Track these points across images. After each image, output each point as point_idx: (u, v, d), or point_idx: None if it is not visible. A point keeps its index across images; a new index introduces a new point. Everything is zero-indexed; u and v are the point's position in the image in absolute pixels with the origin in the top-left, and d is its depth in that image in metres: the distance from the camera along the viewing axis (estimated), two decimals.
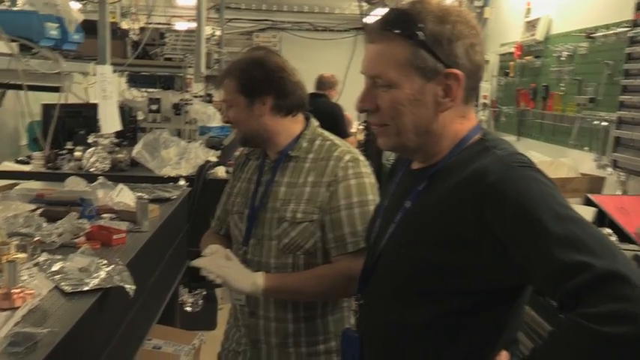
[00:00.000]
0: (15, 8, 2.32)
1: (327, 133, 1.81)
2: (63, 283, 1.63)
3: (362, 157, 1.75)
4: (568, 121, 2.39)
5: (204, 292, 3.86)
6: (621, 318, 0.83)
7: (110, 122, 2.45)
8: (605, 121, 2.15)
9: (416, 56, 1.05)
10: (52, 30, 2.03)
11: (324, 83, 5.71)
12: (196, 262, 1.65)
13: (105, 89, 2.39)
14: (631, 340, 0.83)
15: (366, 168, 1.73)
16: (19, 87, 2.60)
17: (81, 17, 2.42)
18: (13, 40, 1.77)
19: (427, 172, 1.14)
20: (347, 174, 1.68)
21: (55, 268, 1.74)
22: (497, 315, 1.09)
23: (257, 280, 1.62)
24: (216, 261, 1.64)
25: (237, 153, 2.06)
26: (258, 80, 1.72)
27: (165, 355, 2.66)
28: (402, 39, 1.06)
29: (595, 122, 2.21)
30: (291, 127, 1.78)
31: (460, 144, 1.12)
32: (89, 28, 2.67)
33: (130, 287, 1.76)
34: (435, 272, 1.06)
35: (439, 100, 1.08)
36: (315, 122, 1.82)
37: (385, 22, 1.09)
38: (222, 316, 3.89)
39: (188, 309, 3.70)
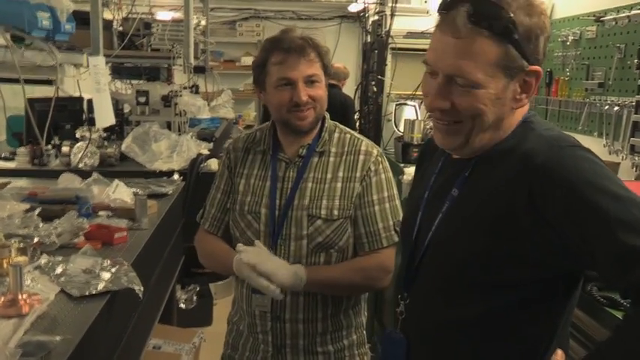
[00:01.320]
0: None
1: (340, 125, 1.76)
2: (69, 287, 1.56)
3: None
4: (575, 107, 2.36)
5: (198, 288, 3.79)
6: None
7: (104, 116, 2.35)
8: (618, 105, 2.12)
9: (507, 55, 0.97)
10: (44, 20, 1.93)
11: (338, 74, 5.69)
12: (244, 258, 1.51)
13: (99, 82, 2.29)
14: None
15: (387, 162, 1.73)
16: (7, 80, 2.49)
17: (72, 6, 2.31)
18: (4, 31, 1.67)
19: (472, 160, 1.09)
20: (378, 168, 1.66)
21: (59, 270, 1.67)
22: (551, 309, 1.04)
23: (299, 273, 1.54)
24: (258, 255, 1.53)
25: (226, 145, 1.88)
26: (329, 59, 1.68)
27: (167, 355, 2.59)
28: (493, 36, 0.96)
29: (606, 107, 2.18)
30: None
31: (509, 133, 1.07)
32: (76, 17, 2.56)
33: (138, 288, 1.70)
34: (488, 262, 1.01)
35: (517, 97, 1.03)
36: (327, 114, 1.75)
37: (473, 15, 0.96)
38: (218, 311, 3.82)
39: (182, 306, 3.63)
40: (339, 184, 1.63)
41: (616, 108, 2.11)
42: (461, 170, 1.09)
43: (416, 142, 3.14)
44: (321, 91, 1.63)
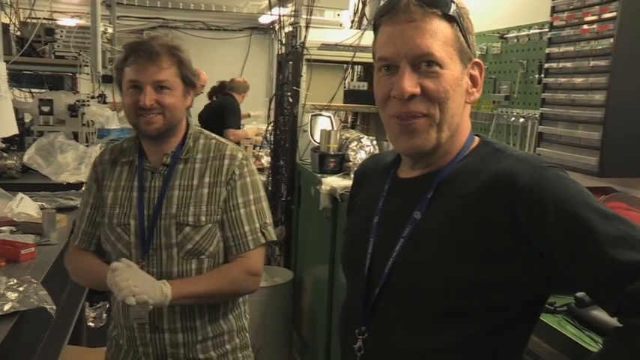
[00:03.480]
0: None
1: (205, 132, 1.76)
2: None
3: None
4: (483, 118, 2.48)
5: (108, 305, 3.63)
6: None
7: (6, 125, 2.21)
8: (523, 117, 2.25)
9: (458, 38, 0.98)
10: None
11: (237, 87, 5.83)
12: (116, 276, 1.46)
13: (0, 88, 2.14)
14: None
15: (254, 165, 1.75)
16: None
17: None
18: None
19: (431, 179, 1.03)
20: (243, 172, 1.67)
21: None
22: (521, 331, 1.01)
23: (164, 290, 1.50)
24: (124, 275, 1.47)
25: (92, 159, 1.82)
26: (193, 70, 1.66)
27: None
28: (445, 19, 0.97)
29: (512, 119, 2.31)
30: (184, 125, 1.71)
31: (463, 148, 1.04)
32: None
33: (51, 307, 1.60)
34: (465, 288, 0.95)
35: (469, 90, 1.01)
36: (191, 120, 1.77)
37: (424, 0, 0.97)
38: None
39: (91, 324, 3.45)
40: (205, 190, 1.64)
41: (521, 120, 2.25)
42: (420, 192, 1.03)
43: (332, 152, 3.17)
44: (171, 99, 1.60)
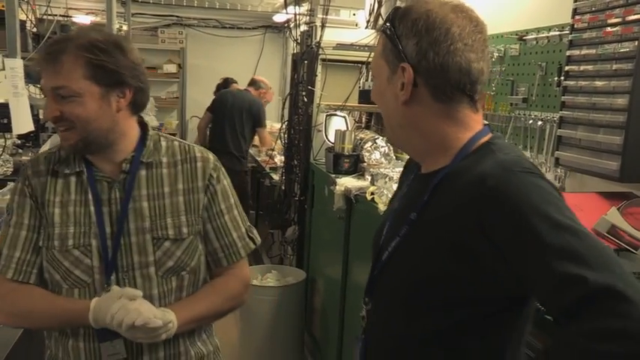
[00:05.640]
0: None
1: (162, 133, 1.57)
2: None
3: None
4: (500, 121, 2.45)
5: None
6: (612, 335, 0.79)
7: (22, 122, 2.22)
8: (541, 120, 2.22)
9: (385, 48, 1.10)
10: None
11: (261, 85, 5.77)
12: (131, 317, 1.27)
13: (16, 86, 2.15)
14: (618, 358, 0.79)
15: None
16: None
17: None
18: None
19: (431, 179, 1.09)
20: (219, 175, 1.52)
21: None
22: (506, 325, 1.04)
23: (170, 317, 1.34)
24: (127, 307, 1.29)
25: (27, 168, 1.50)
26: (121, 66, 1.36)
27: None
28: (383, 34, 1.12)
29: (530, 122, 2.28)
30: (135, 128, 1.49)
31: (464, 149, 1.07)
32: None
33: None
34: (440, 282, 1.02)
35: (397, 93, 1.08)
36: (148, 120, 1.58)
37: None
38: None
39: None
40: (181, 198, 1.46)
41: (539, 122, 2.22)
42: (422, 192, 1.10)
43: (347, 153, 3.16)
44: (80, 109, 1.33)
